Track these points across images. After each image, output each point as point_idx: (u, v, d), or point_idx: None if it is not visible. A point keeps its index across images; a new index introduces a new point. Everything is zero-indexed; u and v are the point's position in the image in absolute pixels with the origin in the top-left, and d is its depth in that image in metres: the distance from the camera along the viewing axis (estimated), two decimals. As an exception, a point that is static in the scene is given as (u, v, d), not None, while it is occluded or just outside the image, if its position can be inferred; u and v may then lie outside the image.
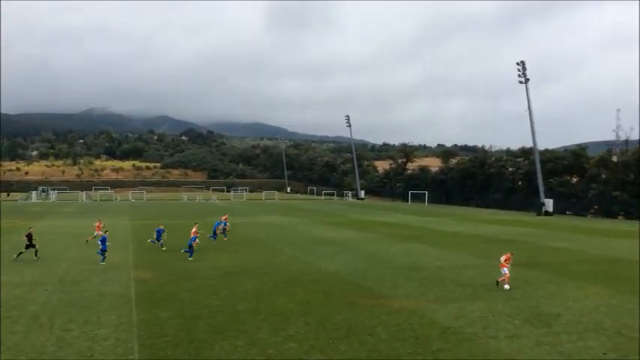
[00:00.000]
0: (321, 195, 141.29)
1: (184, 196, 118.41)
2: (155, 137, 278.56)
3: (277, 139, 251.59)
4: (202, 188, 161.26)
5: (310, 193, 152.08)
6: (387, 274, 24.15)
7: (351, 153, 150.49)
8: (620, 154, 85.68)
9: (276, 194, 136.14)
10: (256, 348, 13.45)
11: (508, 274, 20.94)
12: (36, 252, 27.45)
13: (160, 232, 31.86)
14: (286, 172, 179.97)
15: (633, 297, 19.68)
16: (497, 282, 21.30)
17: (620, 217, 76.88)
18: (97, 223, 34.58)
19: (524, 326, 15.59)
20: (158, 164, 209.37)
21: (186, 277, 22.70)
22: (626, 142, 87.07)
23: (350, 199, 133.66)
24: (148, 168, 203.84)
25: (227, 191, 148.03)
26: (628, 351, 13.38)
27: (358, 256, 29.97)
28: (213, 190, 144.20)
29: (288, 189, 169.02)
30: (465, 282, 22.33)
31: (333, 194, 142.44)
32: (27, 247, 27.34)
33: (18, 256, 26.94)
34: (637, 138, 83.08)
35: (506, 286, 20.72)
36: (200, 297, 19.04)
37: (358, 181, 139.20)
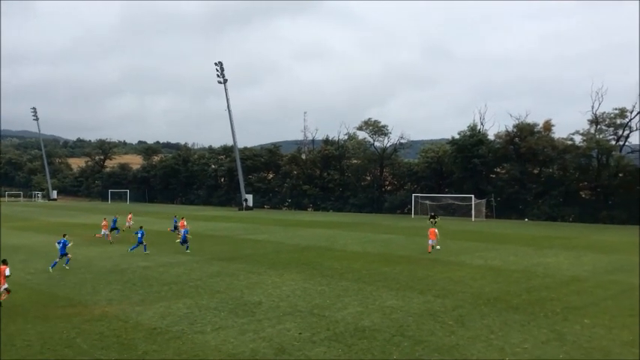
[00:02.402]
0: (5, 196, 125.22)
1: None
2: None
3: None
4: None
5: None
6: (86, 279, 22.37)
7: (40, 149, 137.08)
8: (307, 152, 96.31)
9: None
10: None
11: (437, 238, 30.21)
12: None
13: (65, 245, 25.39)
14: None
15: (322, 279, 22.10)
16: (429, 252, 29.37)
17: (309, 209, 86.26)
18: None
19: (229, 317, 16.07)
20: None
21: None
22: (313, 141, 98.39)
23: (40, 199, 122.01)
24: None
25: None
26: (320, 328, 14.86)
27: (53, 262, 27.06)
28: None
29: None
30: (170, 280, 22.06)
31: (19, 195, 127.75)
32: None
33: None
34: (321, 138, 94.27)
35: (438, 247, 30.22)
36: None
37: (49, 180, 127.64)
